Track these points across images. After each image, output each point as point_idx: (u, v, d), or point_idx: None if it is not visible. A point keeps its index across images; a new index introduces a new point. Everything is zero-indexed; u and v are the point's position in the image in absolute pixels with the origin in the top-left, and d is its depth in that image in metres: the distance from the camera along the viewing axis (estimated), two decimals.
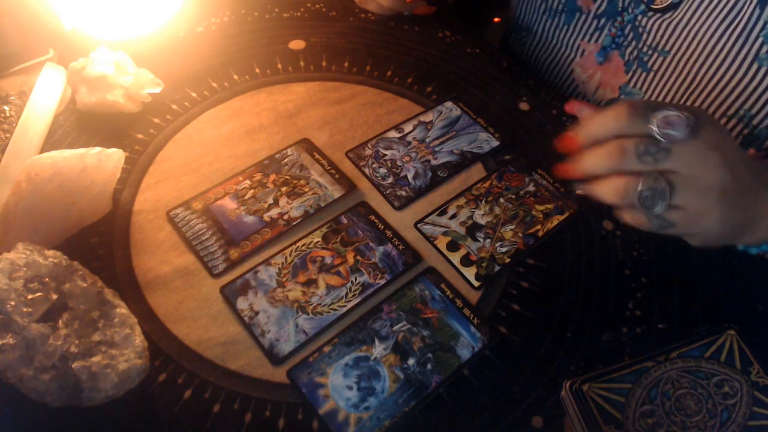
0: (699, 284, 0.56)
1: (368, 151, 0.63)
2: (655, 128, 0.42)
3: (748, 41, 0.59)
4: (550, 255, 0.57)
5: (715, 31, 0.61)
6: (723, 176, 0.43)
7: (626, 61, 0.69)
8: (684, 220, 0.45)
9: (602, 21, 0.70)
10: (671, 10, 0.63)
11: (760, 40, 0.58)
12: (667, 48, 0.65)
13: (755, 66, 0.59)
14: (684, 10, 0.62)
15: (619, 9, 0.68)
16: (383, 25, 0.78)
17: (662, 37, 0.65)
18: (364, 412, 0.46)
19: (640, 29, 0.67)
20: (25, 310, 0.42)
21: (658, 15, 0.64)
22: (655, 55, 0.66)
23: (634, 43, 0.68)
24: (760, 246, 0.51)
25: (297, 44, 0.74)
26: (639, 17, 0.66)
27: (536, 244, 0.57)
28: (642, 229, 0.46)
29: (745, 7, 0.58)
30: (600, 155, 0.44)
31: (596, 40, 0.71)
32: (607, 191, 0.45)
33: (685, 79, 0.65)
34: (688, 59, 0.64)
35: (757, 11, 0.57)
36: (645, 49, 0.67)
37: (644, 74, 0.68)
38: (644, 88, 0.69)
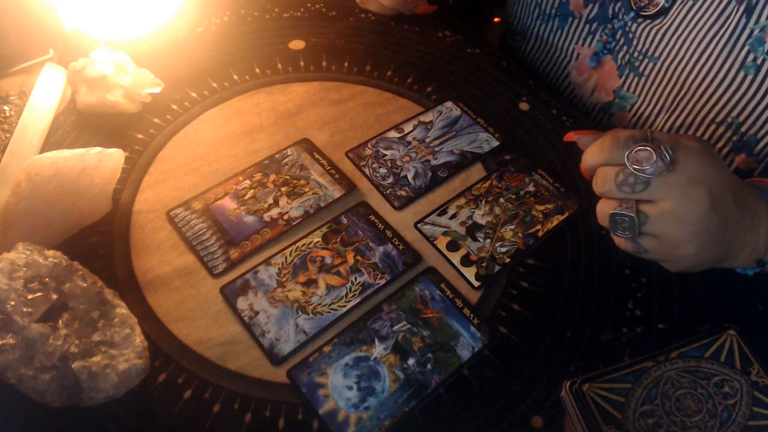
0: (699, 284, 0.56)
1: (368, 151, 0.63)
2: (627, 163, 0.43)
3: (734, 49, 0.59)
4: (550, 255, 0.57)
5: (703, 39, 0.61)
6: (702, 210, 0.44)
7: (619, 66, 0.70)
8: (657, 248, 0.46)
9: (594, 26, 0.71)
10: (661, 16, 0.64)
11: (747, 48, 0.58)
12: (657, 54, 0.65)
13: (742, 74, 0.59)
14: (672, 18, 0.63)
15: (610, 15, 0.68)
16: (383, 25, 0.78)
17: (652, 43, 0.66)
18: (364, 412, 0.46)
19: (631, 35, 0.67)
20: (25, 310, 0.42)
21: (648, 22, 0.65)
22: (646, 60, 0.67)
23: (625, 48, 0.68)
24: (744, 269, 0.51)
25: (297, 44, 0.74)
26: (629, 23, 0.67)
27: (536, 244, 0.57)
28: (622, 249, 0.48)
29: (732, 16, 0.58)
30: (593, 180, 0.47)
31: (589, 45, 0.72)
32: (597, 210, 0.48)
33: (674, 85, 0.65)
34: (677, 66, 0.64)
35: (744, 20, 0.57)
36: (636, 54, 0.67)
37: (636, 79, 0.69)
38: (637, 92, 0.69)
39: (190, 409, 0.46)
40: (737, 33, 0.58)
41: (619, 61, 0.70)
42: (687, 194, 0.43)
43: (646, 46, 0.66)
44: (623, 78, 0.70)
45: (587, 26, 0.71)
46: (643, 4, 0.65)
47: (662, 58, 0.65)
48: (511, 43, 0.84)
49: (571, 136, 0.49)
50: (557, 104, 0.70)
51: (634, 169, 0.43)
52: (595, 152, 0.46)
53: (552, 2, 0.74)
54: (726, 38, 0.59)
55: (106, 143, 0.58)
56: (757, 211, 0.47)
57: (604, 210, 0.47)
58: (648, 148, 0.42)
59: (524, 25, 0.80)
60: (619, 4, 0.67)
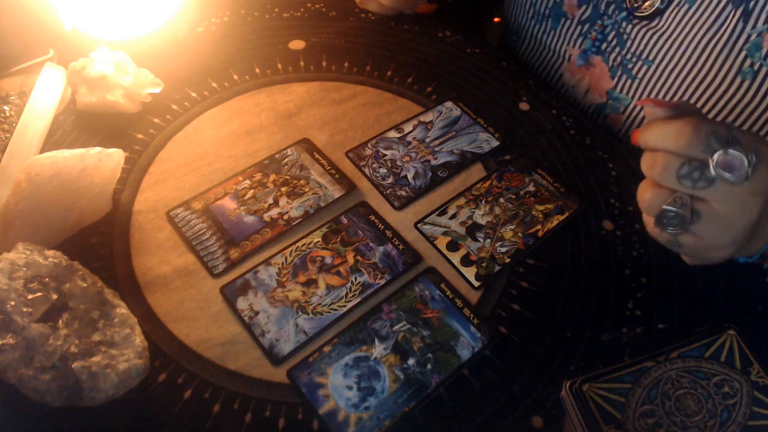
0: (699, 284, 0.56)
1: (368, 151, 0.63)
2: (712, 164, 0.40)
3: (731, 54, 0.59)
4: (550, 255, 0.57)
5: (699, 43, 0.61)
6: (751, 221, 0.42)
7: (610, 67, 0.70)
8: (693, 246, 0.45)
9: (586, 27, 0.71)
10: (656, 18, 0.63)
11: (743, 53, 0.58)
12: (651, 57, 0.65)
13: (738, 79, 0.59)
14: (668, 21, 0.62)
15: (601, 13, 0.68)
16: (383, 25, 0.78)
17: (646, 46, 0.65)
18: (364, 412, 0.46)
19: (624, 36, 0.67)
20: (25, 310, 0.42)
21: (644, 23, 0.65)
22: (639, 63, 0.67)
23: (618, 49, 0.68)
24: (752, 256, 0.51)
25: (297, 44, 0.74)
26: (623, 24, 0.66)
27: (536, 244, 0.57)
28: (654, 237, 0.46)
29: (729, 21, 0.58)
30: (645, 160, 0.44)
31: (580, 46, 0.72)
32: (640, 195, 0.45)
33: (669, 89, 0.65)
34: (672, 70, 0.64)
35: (741, 24, 0.57)
36: (629, 56, 0.67)
37: (629, 81, 0.68)
38: (630, 94, 0.69)
39: (190, 409, 0.46)
40: (734, 38, 0.58)
41: (610, 63, 0.69)
42: (743, 203, 0.42)
43: (640, 48, 0.66)
44: (615, 79, 0.70)
45: (579, 27, 0.71)
46: (636, 5, 0.64)
47: (657, 61, 0.65)
48: (509, 43, 0.84)
49: (645, 102, 0.45)
50: (557, 104, 0.70)
51: (717, 173, 0.40)
52: (670, 135, 0.41)
53: (546, 2, 0.74)
54: (723, 43, 0.59)
55: (106, 143, 0.58)
56: None
57: (653, 200, 0.43)
58: (741, 155, 0.40)
59: (519, 25, 0.80)
60: (612, 6, 0.67)
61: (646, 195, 0.44)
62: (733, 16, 0.57)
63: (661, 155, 0.42)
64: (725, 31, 0.58)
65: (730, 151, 0.40)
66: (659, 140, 0.42)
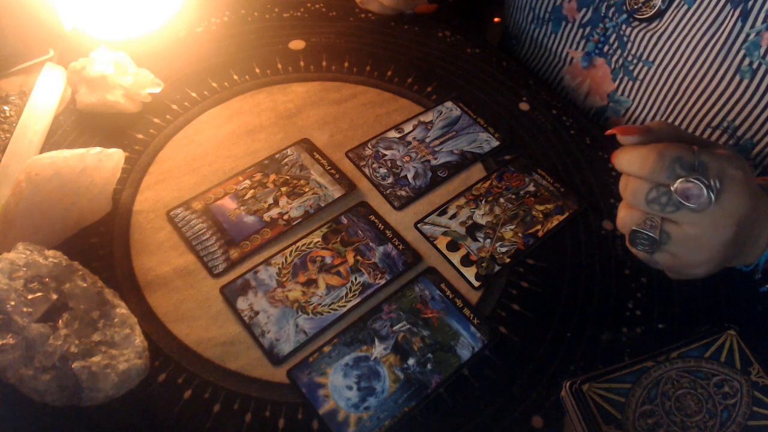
0: (699, 284, 0.56)
1: (368, 151, 0.63)
2: (673, 191, 0.41)
3: (730, 54, 0.59)
4: (550, 255, 0.57)
5: (698, 43, 0.61)
6: (725, 241, 0.43)
7: (612, 69, 0.70)
8: (670, 264, 0.46)
9: (587, 30, 0.71)
10: (656, 20, 0.64)
11: (742, 52, 0.58)
12: (651, 58, 0.65)
13: (737, 78, 0.59)
14: (667, 22, 0.63)
15: (602, 16, 0.68)
16: (383, 25, 0.78)
17: (646, 47, 0.65)
18: (364, 412, 0.46)
19: (625, 38, 0.67)
20: (25, 310, 0.42)
21: (643, 25, 0.65)
22: (640, 64, 0.67)
23: (619, 51, 0.68)
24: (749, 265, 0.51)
25: (297, 44, 0.74)
26: (623, 26, 0.67)
27: (536, 244, 0.57)
28: (633, 253, 0.47)
29: (727, 20, 0.58)
30: (621, 182, 0.45)
31: (582, 48, 0.72)
32: (618, 214, 0.46)
33: (669, 89, 0.65)
34: (672, 70, 0.64)
35: (739, 24, 0.57)
36: (630, 58, 0.67)
37: (631, 82, 0.69)
38: (631, 96, 0.69)
39: (190, 409, 0.46)
40: (733, 37, 0.58)
41: (612, 65, 0.69)
42: (715, 224, 0.42)
43: (641, 50, 0.66)
44: (617, 82, 0.70)
45: (580, 30, 0.71)
46: (637, 6, 0.64)
47: (657, 62, 0.65)
48: (509, 47, 0.84)
49: (614, 132, 0.46)
50: (557, 104, 0.70)
51: (679, 201, 0.41)
52: (635, 162, 0.43)
53: (546, 6, 0.74)
54: (721, 42, 0.59)
55: (106, 143, 0.58)
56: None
57: (626, 222, 0.45)
58: (699, 184, 0.40)
59: (519, 29, 0.80)
60: (612, 9, 0.67)
61: (620, 214, 0.46)
62: (732, 16, 0.57)
63: (632, 179, 0.43)
64: (724, 30, 0.58)
65: (691, 179, 0.40)
66: (627, 166, 0.43)
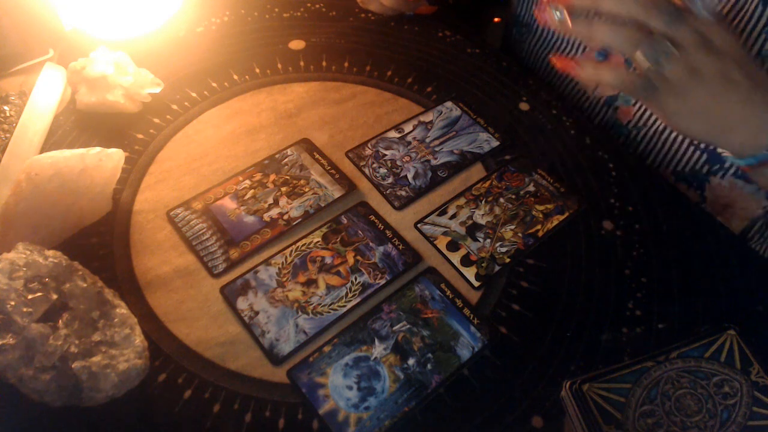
0: (699, 284, 0.56)
1: (368, 151, 0.63)
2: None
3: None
4: (550, 255, 0.57)
5: None
6: (733, 47, 0.47)
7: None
8: (676, 74, 0.48)
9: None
10: None
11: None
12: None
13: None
14: None
15: None
16: (383, 25, 0.78)
17: None
18: (364, 412, 0.46)
19: None
20: (25, 310, 0.42)
21: None
22: None
23: None
24: (744, 157, 0.52)
25: (297, 44, 0.74)
26: None
27: (536, 244, 0.57)
28: (623, 91, 0.50)
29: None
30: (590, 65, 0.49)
31: None
32: (603, 76, 0.50)
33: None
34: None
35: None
36: None
37: None
38: None
39: (190, 409, 0.46)
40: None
41: None
42: (723, 31, 0.47)
43: None
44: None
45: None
46: None
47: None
48: (515, 37, 0.84)
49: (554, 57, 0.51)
50: (557, 104, 0.70)
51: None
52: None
53: None
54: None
55: (106, 143, 0.58)
56: None
57: (619, 72, 0.49)
58: None
59: (529, 18, 0.79)
60: None
61: (610, 73, 0.50)
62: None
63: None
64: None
65: None
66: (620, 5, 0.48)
